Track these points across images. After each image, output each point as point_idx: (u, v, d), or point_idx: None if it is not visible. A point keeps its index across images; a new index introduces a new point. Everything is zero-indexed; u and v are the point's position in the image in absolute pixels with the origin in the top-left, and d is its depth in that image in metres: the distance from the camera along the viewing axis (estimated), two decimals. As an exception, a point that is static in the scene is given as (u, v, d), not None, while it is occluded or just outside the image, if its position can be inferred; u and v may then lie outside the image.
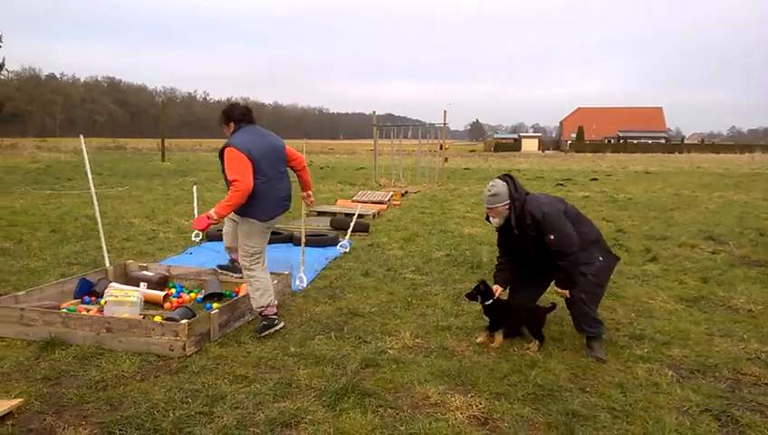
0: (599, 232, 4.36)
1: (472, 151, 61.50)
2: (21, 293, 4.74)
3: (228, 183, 4.44)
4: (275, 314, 4.52)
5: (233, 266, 5.72)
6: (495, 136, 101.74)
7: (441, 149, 19.55)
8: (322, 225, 9.57)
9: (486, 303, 4.31)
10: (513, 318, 4.35)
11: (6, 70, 37.04)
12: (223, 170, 4.52)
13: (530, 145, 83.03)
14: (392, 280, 6.24)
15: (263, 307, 4.48)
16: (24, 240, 7.90)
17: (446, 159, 20.12)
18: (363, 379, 3.65)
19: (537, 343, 4.23)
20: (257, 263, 4.55)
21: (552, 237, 4.05)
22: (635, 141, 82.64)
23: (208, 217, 4.40)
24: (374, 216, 10.90)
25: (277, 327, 4.47)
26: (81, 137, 6.30)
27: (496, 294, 4.36)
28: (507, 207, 4.22)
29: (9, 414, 3.11)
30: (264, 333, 4.40)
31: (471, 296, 4.38)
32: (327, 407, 3.27)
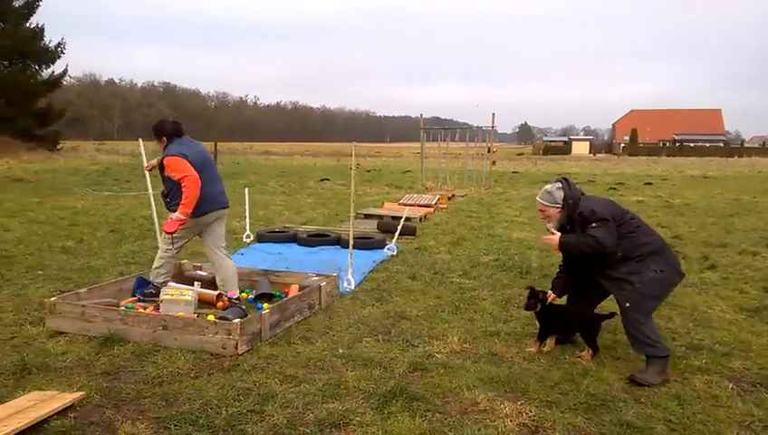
0: (663, 244, 4.12)
1: (520, 154, 60.64)
2: (82, 290, 4.95)
3: (170, 191, 5.00)
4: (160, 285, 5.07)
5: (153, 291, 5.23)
6: (545, 139, 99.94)
7: (489, 152, 19.38)
8: (369, 228, 9.62)
9: (537, 309, 4.26)
10: (567, 324, 4.27)
11: (69, 76, 38.71)
12: (165, 180, 5.04)
13: (581, 148, 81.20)
14: (439, 284, 6.22)
15: (157, 282, 5.17)
16: (84, 239, 8.25)
17: (493, 163, 19.92)
18: (411, 382, 3.65)
19: (590, 351, 4.14)
20: (171, 246, 5.16)
21: (593, 225, 3.96)
22: (692, 144, 79.70)
23: (177, 220, 4.80)
24: (421, 219, 10.89)
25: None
26: (140, 140, 6.53)
27: (549, 300, 4.29)
28: (559, 210, 4.15)
29: (71, 407, 3.24)
30: (147, 298, 5.07)
31: (530, 307, 4.31)
32: (375, 409, 3.28)
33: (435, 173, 19.32)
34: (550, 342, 4.25)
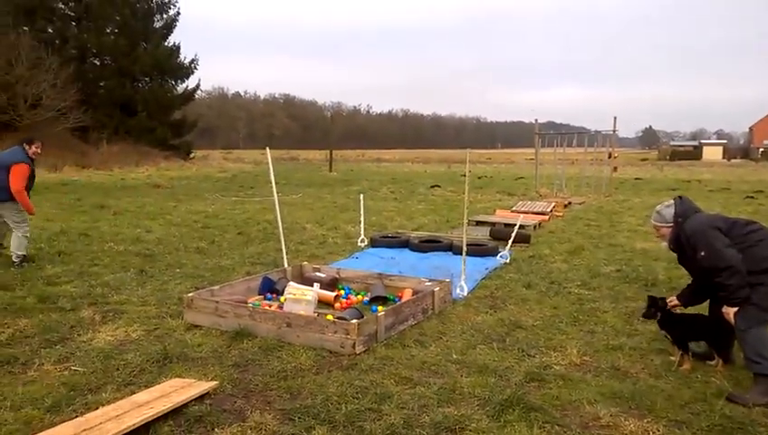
0: None
1: (644, 160, 57.09)
2: (215, 287, 5.36)
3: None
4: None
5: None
6: (672, 143, 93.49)
7: (610, 157, 18.49)
8: (481, 234, 9.54)
9: (658, 317, 4.12)
10: (693, 332, 4.07)
11: (200, 90, 42.01)
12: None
13: (713, 153, 74.93)
14: (556, 293, 6.04)
15: (22, 254, 6.79)
16: (215, 241, 8.91)
17: (615, 169, 18.97)
18: (528, 392, 3.58)
19: (719, 360, 3.93)
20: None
21: (702, 254, 3.77)
22: None
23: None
24: (535, 227, 10.62)
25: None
26: (268, 149, 6.96)
27: (669, 306, 4.12)
28: (670, 228, 4.02)
29: (207, 394, 3.53)
30: (21, 265, 6.64)
31: (648, 316, 4.19)
32: (491, 417, 3.26)
33: (550, 180, 18.74)
34: (687, 363, 4.01)
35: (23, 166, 6.69)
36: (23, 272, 6.50)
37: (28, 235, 6.94)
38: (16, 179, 6.62)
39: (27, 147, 6.83)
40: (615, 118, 17.82)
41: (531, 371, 3.93)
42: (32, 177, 6.89)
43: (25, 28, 28.34)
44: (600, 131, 19.08)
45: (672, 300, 4.19)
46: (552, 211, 12.75)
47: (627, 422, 3.22)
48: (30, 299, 5.41)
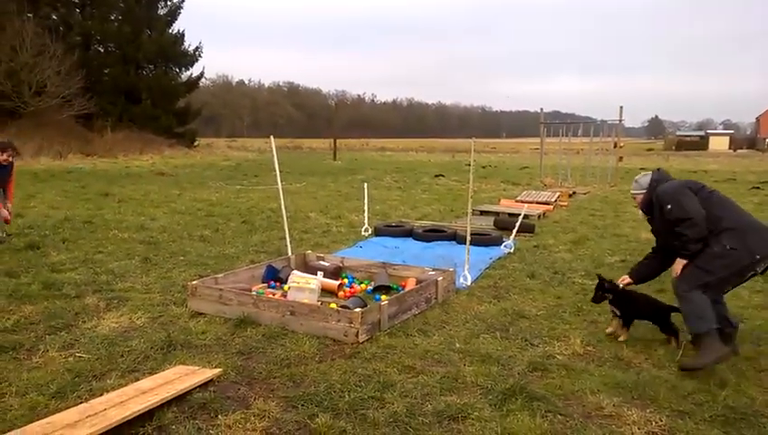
0: (746, 223, 3.93)
1: (649, 150, 56.81)
2: (219, 275, 5.37)
3: None
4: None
5: None
6: (678, 133, 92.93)
7: (615, 147, 18.39)
8: (486, 224, 9.53)
9: (609, 298, 4.45)
10: (638, 309, 4.39)
11: (205, 78, 41.91)
12: None
13: (719, 143, 74.49)
14: (560, 283, 6.03)
15: None
16: (219, 229, 8.92)
17: (620, 159, 18.87)
18: (531, 382, 3.58)
19: (673, 337, 4.23)
20: None
21: (668, 207, 4.02)
22: None
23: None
24: (539, 216, 10.60)
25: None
26: (272, 138, 6.94)
27: (622, 284, 4.41)
28: (644, 194, 4.28)
29: (211, 381, 3.54)
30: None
31: (596, 300, 4.57)
32: (494, 406, 3.27)
33: (554, 169, 18.67)
34: (625, 333, 4.37)
35: None
36: (28, 259, 6.53)
37: None
38: None
39: None
40: (621, 107, 17.73)
41: (534, 360, 3.93)
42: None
43: (30, 15, 28.22)
44: (605, 121, 18.97)
45: (624, 278, 4.46)
46: (556, 201, 12.72)
47: (629, 412, 3.22)
48: (35, 286, 5.43)
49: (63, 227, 8.55)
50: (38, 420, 2.93)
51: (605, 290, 4.46)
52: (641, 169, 26.31)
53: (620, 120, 17.86)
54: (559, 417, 3.16)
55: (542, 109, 19.34)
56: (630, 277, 4.45)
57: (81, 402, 3.17)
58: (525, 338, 4.39)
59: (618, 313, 4.40)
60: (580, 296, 5.55)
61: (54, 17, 31.99)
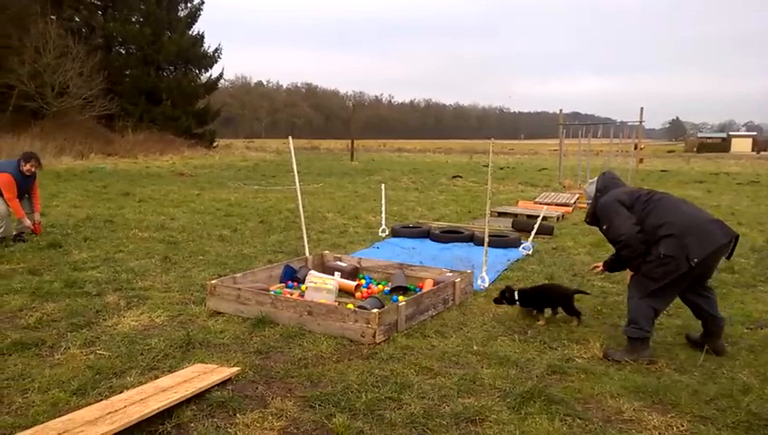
0: (685, 226, 3.87)
1: (670, 152, 56.02)
2: (238, 275, 5.40)
3: None
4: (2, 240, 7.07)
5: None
6: (699, 135, 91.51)
7: (635, 149, 18.17)
8: (503, 226, 9.47)
9: (515, 303, 4.96)
10: (543, 299, 4.89)
11: (224, 79, 42.24)
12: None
13: (742, 145, 73.22)
14: (579, 286, 5.96)
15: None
16: (238, 229, 8.98)
17: (640, 160, 18.64)
18: (549, 385, 3.55)
19: (576, 319, 4.75)
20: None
21: (604, 227, 4.14)
22: None
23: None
24: (558, 218, 10.52)
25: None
26: (290, 139, 6.97)
27: (597, 270, 4.58)
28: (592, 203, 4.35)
29: (229, 380, 3.56)
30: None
31: (497, 301, 5.10)
32: (512, 409, 3.24)
33: (573, 171, 18.50)
34: (543, 319, 4.82)
35: (4, 175, 7.11)
36: (50, 257, 6.63)
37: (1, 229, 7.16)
38: (4, 189, 7.13)
39: (23, 163, 7.26)
40: (642, 109, 17.49)
41: (552, 363, 3.89)
42: (22, 186, 7.29)
43: (53, 17, 28.70)
44: (625, 122, 18.77)
45: (597, 265, 4.56)
46: (575, 203, 12.61)
47: (650, 417, 3.18)
48: (57, 284, 5.51)
49: (85, 226, 8.67)
50: (59, 416, 2.97)
51: (510, 301, 5.00)
52: (662, 170, 26.05)
53: (641, 122, 17.63)
54: (578, 421, 3.13)
55: (561, 110, 19.18)
56: (603, 266, 4.47)
57: (101, 399, 3.21)
58: (544, 341, 4.35)
59: (532, 308, 4.95)
60: (599, 299, 5.49)
61: (77, 19, 32.53)
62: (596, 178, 4.42)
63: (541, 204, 11.96)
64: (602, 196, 4.23)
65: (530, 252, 7.49)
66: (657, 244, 3.90)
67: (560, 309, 4.87)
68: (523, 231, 8.63)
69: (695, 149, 64.82)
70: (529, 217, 9.92)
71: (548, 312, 4.89)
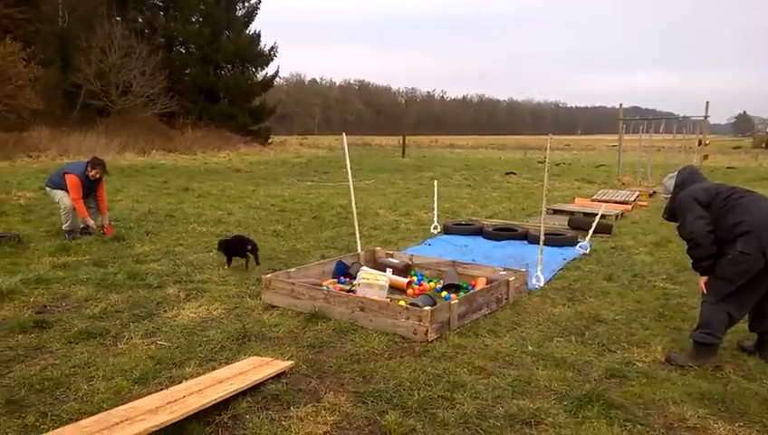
0: (765, 224, 3.66)
1: (737, 148, 53.39)
2: (292, 270, 5.48)
3: None
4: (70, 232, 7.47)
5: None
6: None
7: (700, 145, 17.41)
8: (559, 224, 9.24)
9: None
10: (233, 248, 6.32)
11: (279, 77, 42.92)
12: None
13: (815, 140, 69.04)
14: (639, 287, 5.76)
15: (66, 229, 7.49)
16: (291, 224, 9.11)
17: (705, 157, 17.85)
18: (608, 389, 3.43)
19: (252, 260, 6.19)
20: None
21: (678, 224, 4.00)
22: None
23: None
24: (617, 216, 10.19)
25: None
26: (344, 135, 7.00)
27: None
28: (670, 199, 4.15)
29: (283, 373, 3.61)
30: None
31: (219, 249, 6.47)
32: (568, 412, 3.15)
33: (633, 167, 17.89)
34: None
35: (71, 177, 7.41)
36: (114, 250, 6.91)
37: (62, 219, 7.54)
38: (71, 190, 7.42)
39: (90, 168, 7.57)
40: (707, 103, 16.75)
41: (611, 366, 3.77)
42: (87, 188, 7.58)
43: (118, 18, 29.92)
44: (689, 117, 18.01)
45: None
46: (635, 201, 12.19)
47: (716, 425, 3.04)
48: (120, 276, 5.73)
49: (147, 220, 8.99)
50: (122, 404, 3.08)
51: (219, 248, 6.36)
52: (728, 167, 24.87)
53: (706, 117, 16.88)
54: (639, 427, 3.02)
55: (621, 104, 18.57)
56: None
57: (161, 389, 3.32)
58: (602, 343, 4.22)
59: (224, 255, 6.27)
60: (661, 301, 5.28)
61: (140, 20, 33.77)
62: (676, 171, 4.24)
63: (599, 201, 11.61)
64: (680, 191, 4.04)
65: (587, 251, 7.29)
66: (733, 242, 3.71)
67: None
68: (579, 229, 8.40)
69: (763, 145, 61.57)
70: (586, 214, 9.66)
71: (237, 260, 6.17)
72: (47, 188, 7.77)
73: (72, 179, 7.42)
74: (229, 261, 6.27)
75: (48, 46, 26.57)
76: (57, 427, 2.86)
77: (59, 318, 4.53)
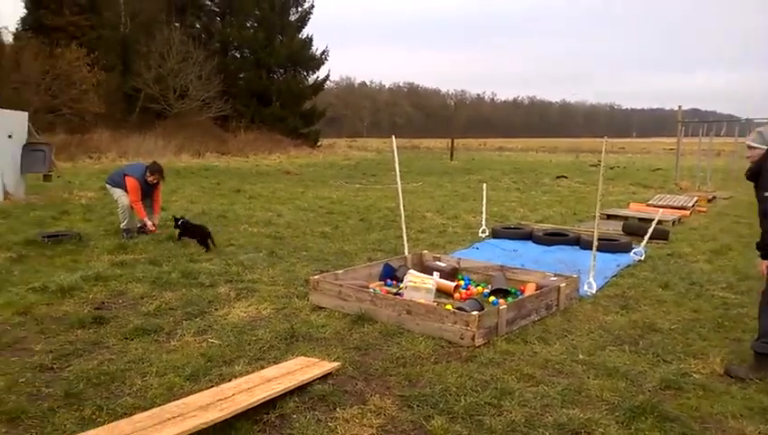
0: None
1: (804, 151, 50.67)
2: (339, 271, 5.52)
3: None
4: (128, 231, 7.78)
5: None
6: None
7: (764, 148, 16.61)
8: (613, 229, 8.99)
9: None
10: (189, 232, 7.42)
11: (329, 80, 43.42)
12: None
13: None
14: (697, 296, 5.54)
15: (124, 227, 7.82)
16: (339, 226, 9.19)
17: (769, 161, 17.01)
18: (663, 401, 3.31)
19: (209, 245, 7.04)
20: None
21: (765, 194, 3.56)
22: None
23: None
24: (674, 222, 9.83)
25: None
26: (393, 138, 7.02)
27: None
28: (762, 152, 3.64)
29: (329, 374, 3.64)
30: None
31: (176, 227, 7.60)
32: (620, 423, 3.06)
33: (692, 172, 17.24)
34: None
35: (131, 180, 7.71)
36: (169, 249, 7.13)
37: (120, 218, 7.89)
38: (130, 192, 7.72)
39: (148, 173, 7.85)
40: (773, 104, 15.97)
41: (666, 377, 3.63)
42: (145, 191, 7.87)
43: (177, 24, 30.96)
44: (752, 120, 17.22)
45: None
46: (694, 206, 11.74)
47: (781, 445, 2.88)
48: (174, 274, 5.90)
49: (200, 220, 9.23)
50: (174, 400, 3.17)
51: (177, 225, 7.39)
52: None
53: (772, 118, 16.09)
54: (695, 442, 2.89)
55: (680, 106, 17.93)
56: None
57: (212, 386, 3.39)
58: (657, 353, 4.07)
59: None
60: (720, 311, 5.06)
61: (198, 26, 34.83)
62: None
63: (655, 206, 11.23)
64: None
65: (642, 257, 7.06)
66: None
67: None
68: (634, 235, 8.14)
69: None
70: (641, 220, 9.36)
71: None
72: (107, 186, 8.13)
73: (131, 183, 7.71)
74: (180, 238, 7.34)
75: (110, 51, 27.79)
76: (112, 420, 2.97)
77: (116, 314, 4.71)
